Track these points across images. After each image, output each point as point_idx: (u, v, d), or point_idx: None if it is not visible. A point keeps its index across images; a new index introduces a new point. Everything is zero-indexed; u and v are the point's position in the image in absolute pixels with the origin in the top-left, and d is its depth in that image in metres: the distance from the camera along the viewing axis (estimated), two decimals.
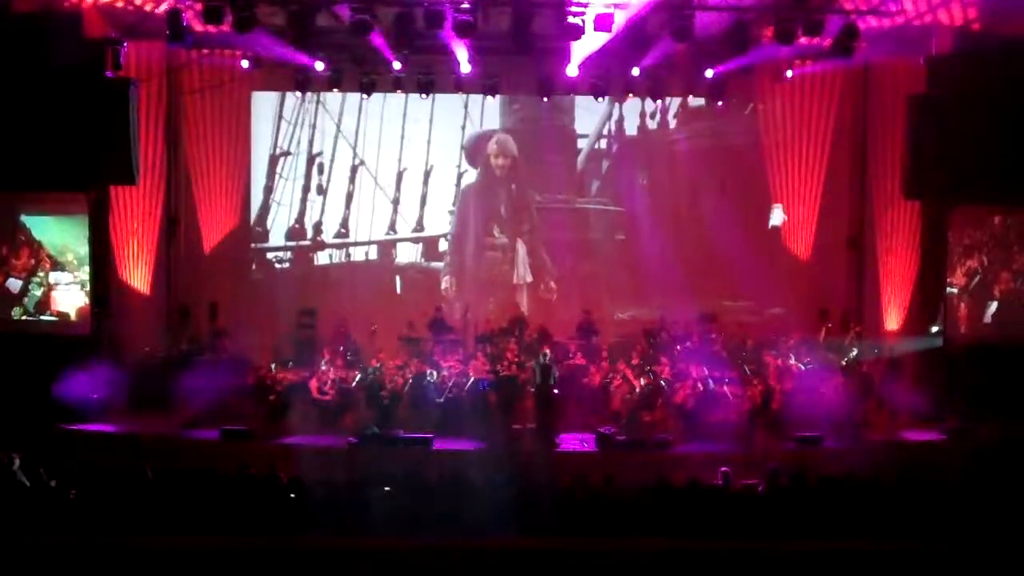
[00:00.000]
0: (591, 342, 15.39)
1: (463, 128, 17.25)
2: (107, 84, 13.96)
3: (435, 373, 14.11)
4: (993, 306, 15.17)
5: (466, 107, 17.01)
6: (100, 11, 14.35)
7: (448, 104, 16.66)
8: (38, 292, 15.12)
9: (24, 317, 15.07)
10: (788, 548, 8.12)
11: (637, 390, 13.78)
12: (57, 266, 15.08)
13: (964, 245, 15.21)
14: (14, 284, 15.16)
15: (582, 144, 17.50)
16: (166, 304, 16.18)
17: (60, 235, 15.12)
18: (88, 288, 15.03)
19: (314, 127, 17.20)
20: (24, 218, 15.15)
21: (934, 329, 15.22)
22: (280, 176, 17.29)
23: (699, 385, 13.73)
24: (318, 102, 16.97)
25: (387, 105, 16.74)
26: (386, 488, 9.51)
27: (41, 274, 15.08)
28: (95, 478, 9.76)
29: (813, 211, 16.45)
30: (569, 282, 17.20)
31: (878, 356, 14.91)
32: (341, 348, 14.88)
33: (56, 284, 15.10)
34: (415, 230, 17.46)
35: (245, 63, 15.29)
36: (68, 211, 15.11)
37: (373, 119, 17.03)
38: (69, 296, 15.13)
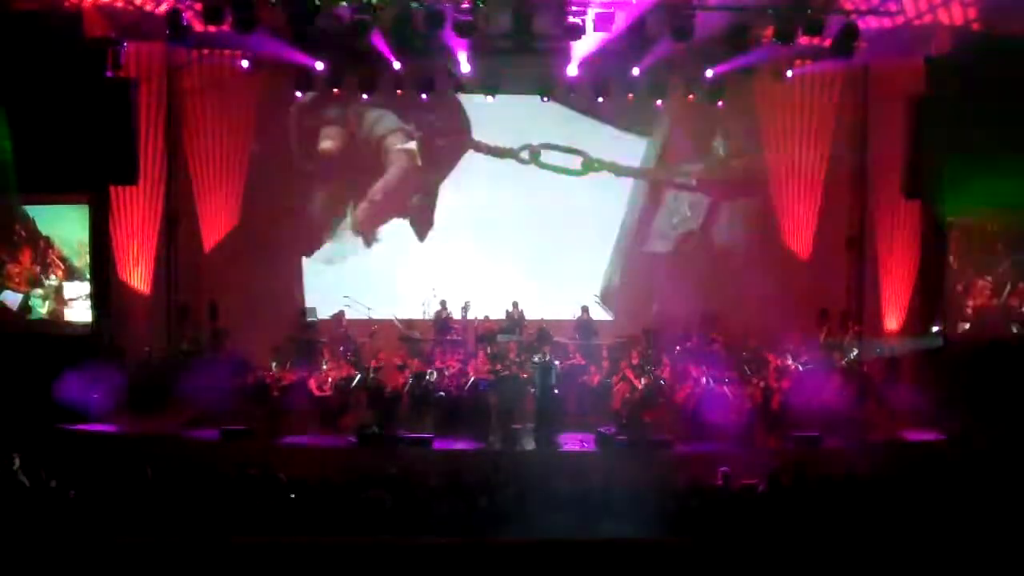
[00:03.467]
0: (591, 342, 15.39)
1: None
2: (107, 84, 13.96)
3: (435, 373, 14.11)
4: (966, 326, 15.00)
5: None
6: (100, 11, 14.34)
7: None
8: (43, 309, 13.44)
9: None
10: (788, 548, 8.11)
11: (637, 390, 13.79)
12: (74, 274, 13.54)
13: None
14: (11, 298, 13.57)
15: None
16: (166, 304, 16.15)
17: (73, 229, 13.34)
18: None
19: None
20: (27, 207, 13.46)
21: (934, 329, 15.22)
22: None
23: (699, 385, 13.73)
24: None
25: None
26: (386, 489, 9.52)
27: (54, 281, 13.58)
28: (95, 478, 9.76)
29: (813, 211, 16.45)
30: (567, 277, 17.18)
31: (878, 356, 14.93)
32: (341, 348, 14.88)
33: (71, 300, 13.24)
34: None
35: (245, 63, 15.32)
36: (79, 200, 13.91)
37: None
38: (87, 312, 13.82)
